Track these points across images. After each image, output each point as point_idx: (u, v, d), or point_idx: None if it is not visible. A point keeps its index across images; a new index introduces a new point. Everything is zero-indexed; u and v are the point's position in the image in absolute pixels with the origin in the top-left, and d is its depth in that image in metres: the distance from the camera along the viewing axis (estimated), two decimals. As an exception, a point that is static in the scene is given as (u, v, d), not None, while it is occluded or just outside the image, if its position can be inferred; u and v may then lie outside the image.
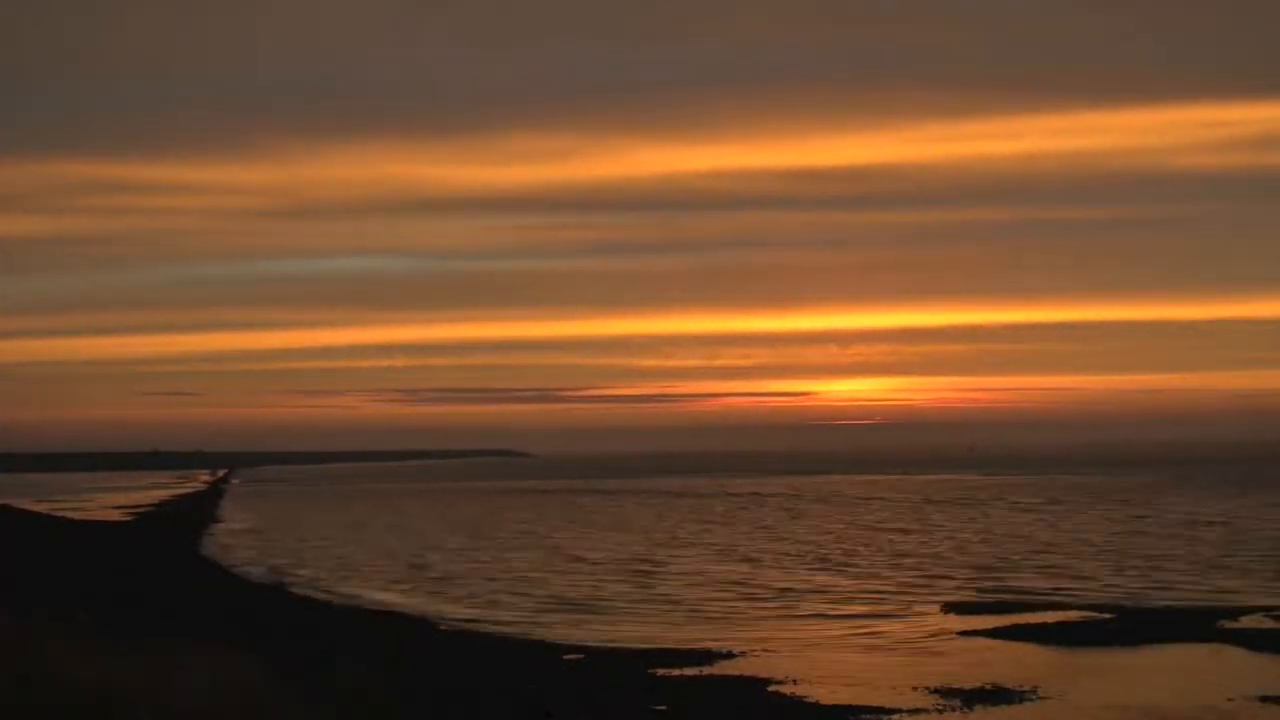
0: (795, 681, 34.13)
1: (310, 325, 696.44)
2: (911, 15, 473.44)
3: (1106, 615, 46.66)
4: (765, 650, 40.10)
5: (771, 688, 33.23)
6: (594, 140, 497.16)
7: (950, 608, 49.65)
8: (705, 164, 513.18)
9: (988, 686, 33.16)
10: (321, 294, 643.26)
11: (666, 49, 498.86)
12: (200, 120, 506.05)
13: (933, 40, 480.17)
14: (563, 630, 45.38)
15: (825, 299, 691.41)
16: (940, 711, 30.44)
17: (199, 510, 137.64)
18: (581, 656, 38.91)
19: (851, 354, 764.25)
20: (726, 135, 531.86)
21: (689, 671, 35.77)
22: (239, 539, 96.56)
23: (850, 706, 30.97)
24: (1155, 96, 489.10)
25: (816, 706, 31.05)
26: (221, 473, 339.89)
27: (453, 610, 51.88)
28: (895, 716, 29.99)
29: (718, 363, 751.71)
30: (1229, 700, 31.57)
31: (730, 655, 38.94)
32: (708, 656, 38.55)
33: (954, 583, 58.86)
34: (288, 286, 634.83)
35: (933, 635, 43.16)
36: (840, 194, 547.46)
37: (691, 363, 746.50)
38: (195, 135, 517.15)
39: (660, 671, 35.67)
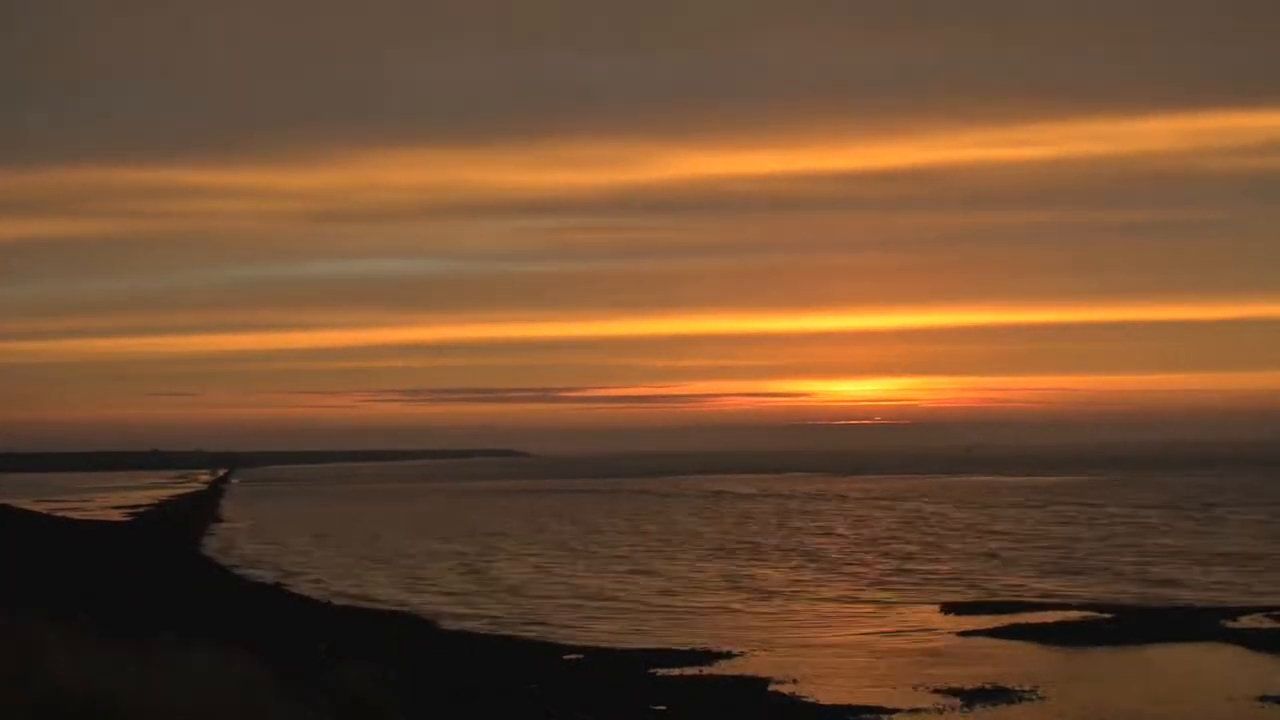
0: (795, 681, 34.15)
1: (318, 327, 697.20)
2: (949, 27, 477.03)
3: (1106, 615, 46.65)
4: (765, 650, 40.12)
5: (771, 688, 33.25)
6: (629, 147, 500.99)
7: (950, 608, 49.64)
8: (728, 169, 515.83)
9: (988, 686, 33.18)
10: (336, 296, 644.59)
11: (706, 59, 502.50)
12: (241, 126, 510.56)
13: (963, 51, 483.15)
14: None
15: (834, 300, 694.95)
16: (940, 711, 30.47)
17: (199, 510, 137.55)
18: (581, 656, 38.92)
19: (859, 354, 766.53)
20: (748, 141, 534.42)
21: (689, 671, 35.79)
22: (239, 539, 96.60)
23: (850, 706, 30.99)
24: (1178, 104, 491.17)
25: (816, 706, 31.06)
26: (221, 473, 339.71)
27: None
28: (895, 716, 30.01)
29: (720, 363, 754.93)
30: (1229, 700, 31.59)
31: (730, 655, 38.94)
32: (708, 656, 38.56)
33: (954, 583, 58.88)
34: (305, 289, 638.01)
35: (933, 635, 43.18)
36: (857, 197, 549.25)
37: (695, 363, 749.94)
38: (234, 141, 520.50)
39: (660, 671, 35.68)
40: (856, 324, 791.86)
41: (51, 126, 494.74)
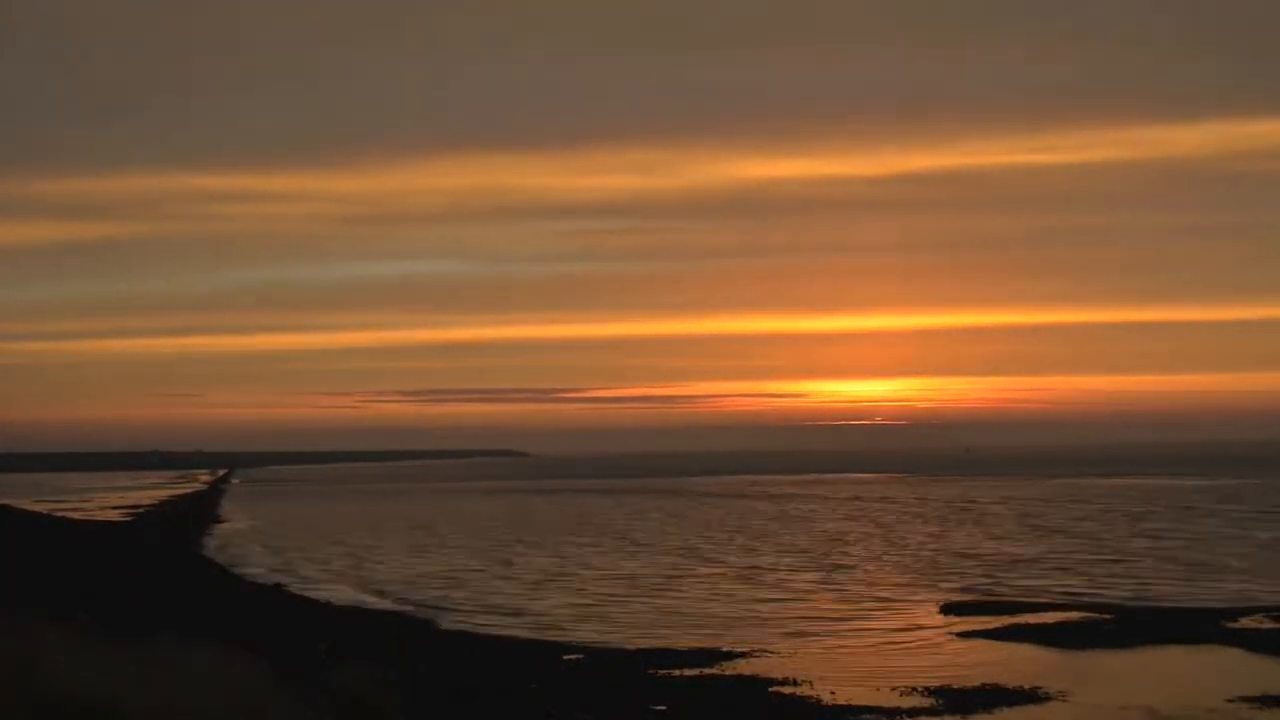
0: (795, 681, 34.12)
1: (319, 329, 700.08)
2: (981, 36, 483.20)
3: (1106, 615, 46.60)
4: (765, 650, 40.10)
5: (772, 688, 33.21)
6: (646, 154, 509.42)
7: (950, 608, 49.59)
8: (738, 175, 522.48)
9: (988, 686, 33.17)
10: (339, 298, 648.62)
11: (731, 67, 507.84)
12: (255, 133, 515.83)
13: (988, 60, 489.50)
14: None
15: (836, 303, 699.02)
16: (940, 712, 30.43)
17: (199, 510, 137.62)
18: (581, 656, 38.91)
19: (859, 355, 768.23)
20: (759, 148, 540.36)
21: (689, 671, 35.76)
22: (239, 539, 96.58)
23: (850, 706, 30.96)
24: (1188, 112, 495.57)
25: (816, 706, 31.03)
26: (221, 473, 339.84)
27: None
28: (895, 717, 29.98)
29: (721, 363, 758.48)
30: (1228, 701, 31.56)
31: (730, 655, 38.92)
32: (708, 656, 38.53)
33: (955, 583, 58.85)
34: (308, 291, 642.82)
35: (933, 635, 43.16)
36: (861, 201, 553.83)
37: (696, 363, 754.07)
38: (247, 146, 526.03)
39: (660, 671, 35.66)
40: (858, 325, 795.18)
41: (65, 134, 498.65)
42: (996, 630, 43.38)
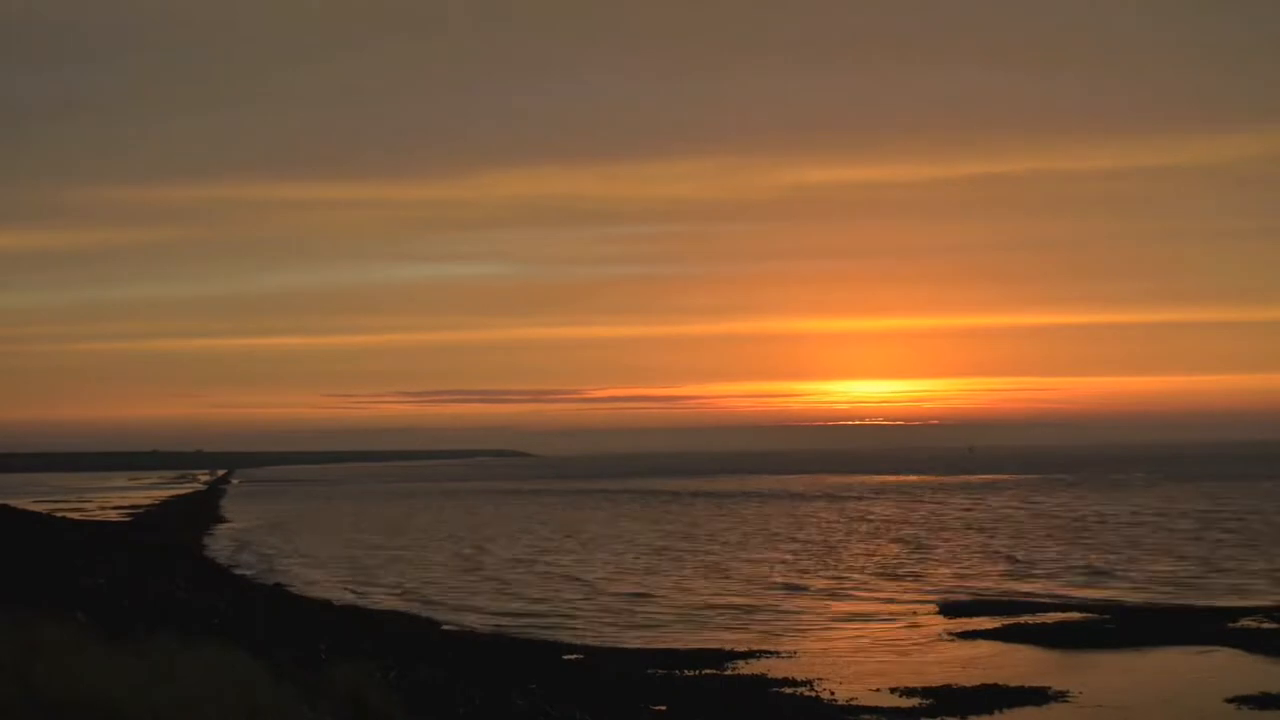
0: (795, 682, 34.12)
1: (327, 330, 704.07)
2: (1003, 56, 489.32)
3: (1106, 616, 46.58)
4: (766, 651, 40.10)
5: (772, 688, 33.22)
6: (670, 162, 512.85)
7: (950, 609, 49.58)
8: (747, 180, 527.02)
9: (988, 686, 33.16)
10: (342, 300, 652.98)
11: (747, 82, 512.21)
12: (303, 142, 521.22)
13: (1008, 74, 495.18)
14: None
15: (836, 303, 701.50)
16: (941, 712, 30.43)
17: (199, 510, 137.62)
18: (581, 656, 38.91)
19: (859, 356, 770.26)
20: (769, 154, 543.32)
21: (689, 672, 35.77)
22: (240, 538, 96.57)
23: (850, 706, 30.97)
24: (1197, 120, 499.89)
25: (817, 706, 31.03)
26: (221, 473, 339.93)
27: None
28: (895, 717, 29.98)
29: (722, 364, 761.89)
30: (1227, 701, 31.55)
31: (730, 656, 38.92)
32: (708, 657, 38.53)
33: (956, 583, 58.84)
34: (323, 293, 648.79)
35: (932, 636, 43.15)
36: (863, 204, 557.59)
37: (696, 363, 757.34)
38: (293, 156, 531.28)
39: (660, 671, 35.66)
40: (858, 326, 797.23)
41: (66, 140, 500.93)
42: (996, 630, 43.37)
